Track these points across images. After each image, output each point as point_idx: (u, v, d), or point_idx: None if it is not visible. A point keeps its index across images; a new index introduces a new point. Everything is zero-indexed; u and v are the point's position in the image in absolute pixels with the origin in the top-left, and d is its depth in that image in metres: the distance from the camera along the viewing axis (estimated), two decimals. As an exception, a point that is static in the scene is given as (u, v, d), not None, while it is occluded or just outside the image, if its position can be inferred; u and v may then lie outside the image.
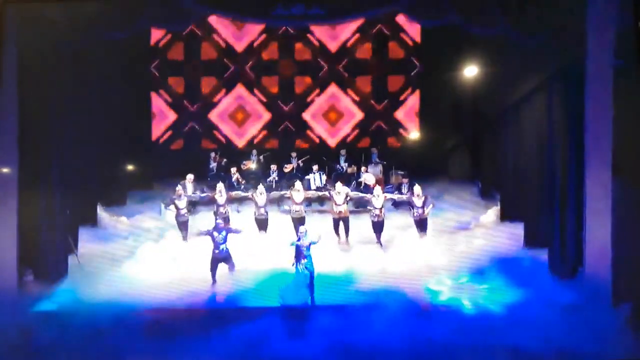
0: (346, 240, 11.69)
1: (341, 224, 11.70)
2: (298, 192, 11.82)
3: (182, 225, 11.78)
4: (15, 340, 8.80)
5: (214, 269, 10.46)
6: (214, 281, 10.45)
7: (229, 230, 10.66)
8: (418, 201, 11.60)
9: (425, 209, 11.57)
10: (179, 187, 11.93)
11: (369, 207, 11.73)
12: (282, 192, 12.27)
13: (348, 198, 11.75)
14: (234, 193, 12.24)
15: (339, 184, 11.95)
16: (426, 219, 11.64)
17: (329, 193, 12.01)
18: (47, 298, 9.84)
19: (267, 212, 11.91)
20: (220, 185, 12.09)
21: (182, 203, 11.79)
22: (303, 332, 9.05)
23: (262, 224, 11.84)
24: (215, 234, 10.48)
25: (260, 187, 12.01)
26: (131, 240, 11.78)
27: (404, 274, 10.50)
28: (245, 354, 8.74)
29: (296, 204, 11.75)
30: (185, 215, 11.83)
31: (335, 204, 11.69)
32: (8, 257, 9.73)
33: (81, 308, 9.46)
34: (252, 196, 11.86)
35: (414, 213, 11.67)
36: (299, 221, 11.54)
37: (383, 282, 10.26)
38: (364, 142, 14.70)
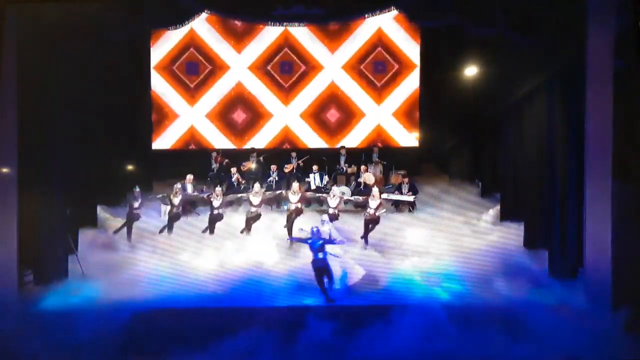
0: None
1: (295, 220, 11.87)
2: (256, 194, 11.94)
3: (130, 222, 12.06)
4: (16, 341, 8.79)
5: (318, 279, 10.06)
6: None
7: (326, 242, 10.27)
8: (373, 202, 11.64)
9: (376, 211, 11.59)
10: (136, 189, 12.21)
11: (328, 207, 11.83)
12: (239, 195, 12.38)
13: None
14: (194, 194, 12.61)
15: (295, 184, 12.12)
16: (377, 221, 11.62)
17: (285, 193, 12.27)
18: (47, 298, 9.82)
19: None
20: (176, 187, 12.21)
21: (136, 203, 12.11)
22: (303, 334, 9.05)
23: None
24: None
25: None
26: (131, 240, 11.77)
27: (403, 275, 10.48)
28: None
29: (253, 205, 11.90)
30: (138, 214, 12.12)
31: (290, 201, 11.95)
32: (8, 257, 9.73)
33: (81, 308, 9.45)
34: (208, 197, 12.06)
35: (366, 213, 11.68)
36: (253, 220, 11.84)
37: (381, 283, 10.27)
38: (364, 142, 14.68)
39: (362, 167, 13.56)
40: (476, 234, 11.89)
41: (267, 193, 12.38)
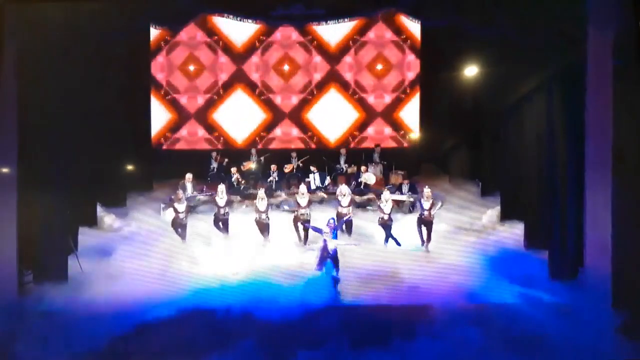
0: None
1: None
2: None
3: (181, 228, 11.71)
4: (15, 341, 8.78)
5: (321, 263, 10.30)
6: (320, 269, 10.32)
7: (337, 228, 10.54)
8: (426, 203, 11.53)
9: (430, 211, 11.48)
10: (179, 192, 11.84)
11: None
12: (281, 198, 12.33)
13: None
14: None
15: (344, 187, 12.03)
16: (431, 222, 11.51)
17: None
18: (46, 299, 9.81)
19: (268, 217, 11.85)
20: (221, 187, 12.02)
21: (182, 207, 11.69)
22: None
23: (263, 228, 11.76)
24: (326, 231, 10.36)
25: (261, 192, 11.96)
26: (131, 240, 11.76)
27: (403, 274, 10.47)
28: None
29: (301, 207, 11.75)
30: (184, 219, 11.74)
31: (341, 205, 11.82)
32: (8, 257, 9.72)
33: (81, 309, 9.44)
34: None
35: (421, 215, 11.56)
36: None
37: (382, 283, 10.26)
38: (364, 142, 14.69)
39: (362, 168, 13.56)
40: (476, 233, 11.90)
41: (313, 195, 12.25)
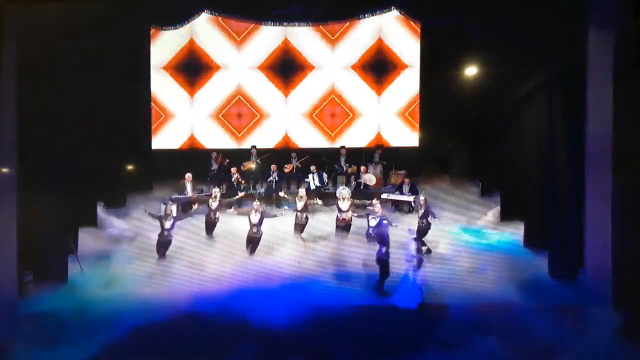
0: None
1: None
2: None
3: (163, 246, 11.16)
4: (15, 342, 8.78)
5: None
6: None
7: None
8: (420, 212, 11.40)
9: (426, 219, 11.37)
10: (171, 209, 11.33)
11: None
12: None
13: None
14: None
15: (344, 190, 11.93)
16: (427, 231, 11.37)
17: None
18: (46, 299, 9.81)
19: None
20: (216, 190, 11.97)
21: (168, 224, 11.13)
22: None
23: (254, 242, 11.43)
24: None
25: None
26: (131, 241, 11.76)
27: (401, 275, 10.48)
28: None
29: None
30: (169, 236, 11.17)
31: (342, 210, 11.70)
32: (8, 258, 9.72)
33: (81, 309, 9.44)
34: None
35: (419, 223, 11.44)
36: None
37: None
38: (364, 142, 14.68)
39: (362, 168, 13.55)
40: (476, 233, 11.89)
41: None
